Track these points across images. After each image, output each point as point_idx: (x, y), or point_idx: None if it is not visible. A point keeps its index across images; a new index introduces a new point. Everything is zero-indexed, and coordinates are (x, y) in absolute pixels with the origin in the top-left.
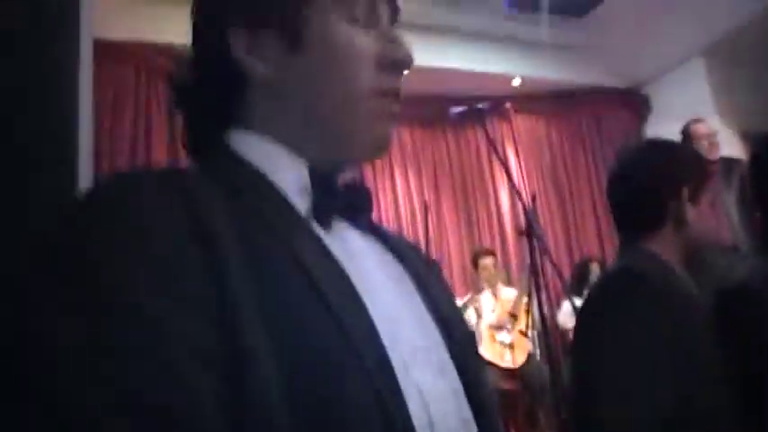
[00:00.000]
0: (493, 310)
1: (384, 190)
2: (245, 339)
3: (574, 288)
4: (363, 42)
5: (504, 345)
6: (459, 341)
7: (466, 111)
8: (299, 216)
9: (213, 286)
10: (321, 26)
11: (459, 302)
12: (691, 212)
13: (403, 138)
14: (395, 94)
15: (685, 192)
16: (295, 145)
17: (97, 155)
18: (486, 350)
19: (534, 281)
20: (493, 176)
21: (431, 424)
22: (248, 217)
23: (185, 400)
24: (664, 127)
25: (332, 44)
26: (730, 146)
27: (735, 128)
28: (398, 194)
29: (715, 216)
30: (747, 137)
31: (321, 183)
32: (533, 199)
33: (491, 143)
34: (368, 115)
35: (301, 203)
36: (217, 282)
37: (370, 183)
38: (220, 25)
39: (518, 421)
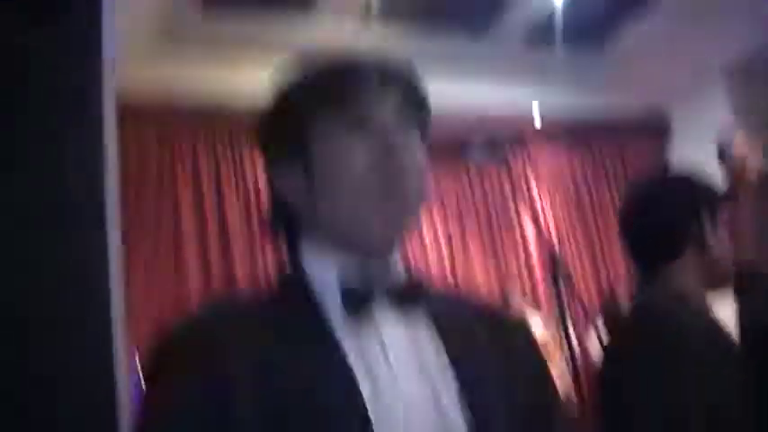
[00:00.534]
0: None
1: None
2: None
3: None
4: (357, 158)
5: None
6: (490, 421)
7: (485, 147)
8: (326, 328)
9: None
10: (321, 150)
11: None
12: (711, 236)
13: None
14: (394, 201)
15: (705, 216)
16: (335, 260)
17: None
18: None
19: (563, 321)
20: (517, 207)
21: None
22: (276, 348)
23: None
24: (687, 152)
25: (329, 165)
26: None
27: (759, 145)
28: (422, 228)
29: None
30: None
31: (355, 293)
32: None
33: (509, 170)
34: (369, 223)
35: (337, 312)
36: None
37: None
38: (266, 166)
39: None
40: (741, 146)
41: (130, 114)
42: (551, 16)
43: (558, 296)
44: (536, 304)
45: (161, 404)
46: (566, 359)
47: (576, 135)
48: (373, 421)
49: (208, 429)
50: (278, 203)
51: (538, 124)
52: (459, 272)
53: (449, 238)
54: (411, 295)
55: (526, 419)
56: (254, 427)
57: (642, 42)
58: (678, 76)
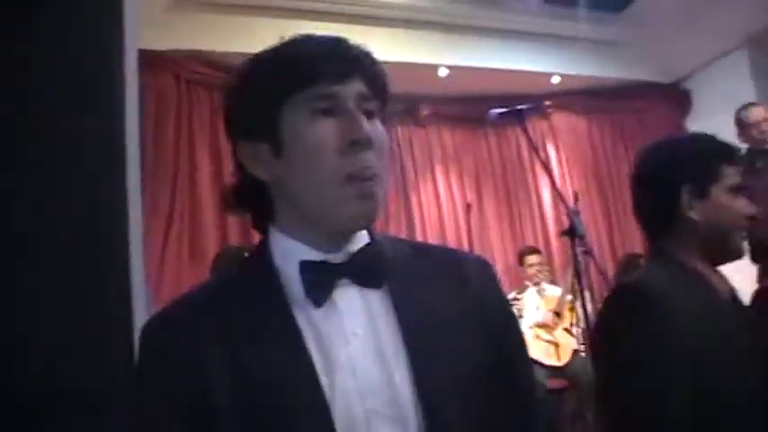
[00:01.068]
0: (537, 308)
1: (426, 190)
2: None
3: None
4: (323, 133)
5: (550, 342)
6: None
7: (505, 112)
8: (287, 311)
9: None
10: (290, 130)
11: None
12: (698, 208)
13: (444, 138)
14: (365, 177)
15: (685, 192)
16: (300, 233)
17: (142, 164)
18: (532, 348)
19: (578, 280)
20: (535, 175)
21: None
22: (240, 327)
23: None
24: (706, 120)
25: (300, 143)
26: None
27: None
28: (440, 194)
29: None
30: None
31: (316, 268)
32: (575, 198)
33: (532, 145)
34: (340, 199)
35: (299, 289)
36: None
37: (411, 183)
38: (234, 139)
39: (565, 420)
40: (761, 114)
41: (150, 60)
42: None
43: (574, 257)
44: (551, 270)
45: (143, 402)
46: (579, 323)
47: (594, 100)
48: (330, 402)
49: (187, 420)
50: (247, 180)
51: (557, 87)
52: (476, 239)
53: (467, 206)
54: (371, 271)
55: (485, 375)
56: (226, 413)
57: (662, 8)
58: (698, 44)
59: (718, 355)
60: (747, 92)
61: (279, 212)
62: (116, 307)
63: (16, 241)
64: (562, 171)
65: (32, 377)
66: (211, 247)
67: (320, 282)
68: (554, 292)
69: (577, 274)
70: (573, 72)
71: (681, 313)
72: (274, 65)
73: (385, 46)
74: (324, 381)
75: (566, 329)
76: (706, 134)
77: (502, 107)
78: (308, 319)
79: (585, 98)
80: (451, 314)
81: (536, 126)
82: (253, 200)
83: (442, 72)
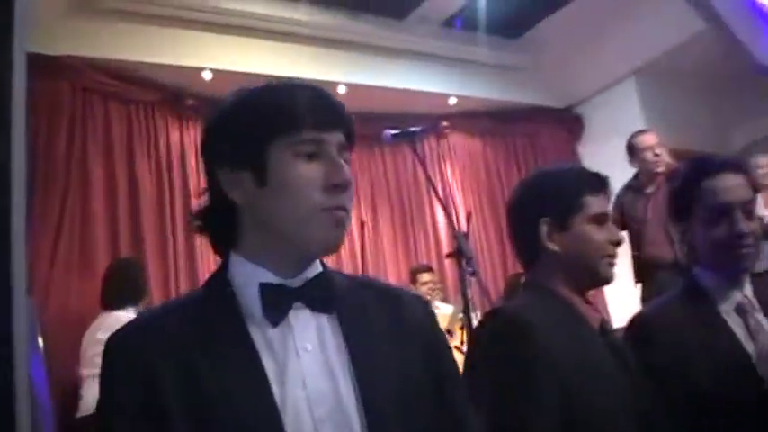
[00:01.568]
0: None
1: None
2: None
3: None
4: (309, 173)
5: None
6: (386, 407)
7: (399, 134)
8: (245, 331)
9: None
10: (278, 165)
11: None
12: (565, 239)
13: None
14: (340, 207)
15: (544, 224)
16: (264, 258)
17: (32, 175)
18: None
19: (464, 301)
20: (430, 194)
21: None
22: (198, 341)
23: None
24: (597, 145)
25: (286, 178)
26: None
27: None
28: None
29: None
30: (677, 156)
31: (275, 290)
32: (468, 218)
33: (425, 168)
34: (318, 227)
35: (257, 309)
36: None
37: None
38: (213, 167)
39: None
40: (652, 141)
41: (44, 66)
42: (473, 2)
43: (462, 279)
44: (444, 288)
45: (104, 413)
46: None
47: (490, 122)
48: (282, 411)
49: (144, 428)
50: (218, 204)
51: (454, 108)
52: (370, 257)
53: (361, 225)
54: (324, 296)
55: (422, 391)
56: (180, 422)
57: (558, 37)
58: (591, 72)
59: (586, 384)
60: (636, 119)
61: (244, 237)
62: None
63: None
64: (456, 190)
65: None
66: (102, 260)
67: (278, 303)
68: (446, 310)
69: (464, 296)
70: (470, 94)
71: (549, 342)
72: (269, 107)
73: (285, 61)
74: (276, 391)
75: (456, 347)
76: (574, 166)
77: (397, 128)
78: (263, 335)
79: (481, 120)
80: (392, 339)
81: (433, 146)
82: (219, 223)
83: (341, 89)
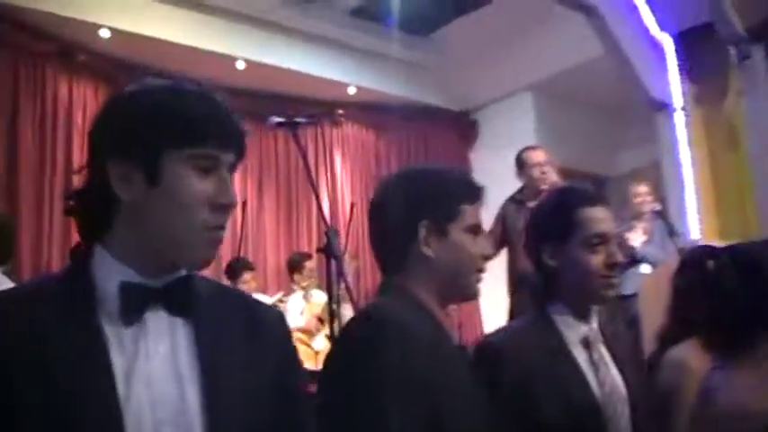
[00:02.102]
0: (302, 313)
1: None
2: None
3: None
4: (202, 189)
5: (309, 347)
6: (233, 407)
7: (283, 122)
8: (98, 327)
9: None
10: (173, 173)
11: (270, 300)
12: (441, 246)
13: None
14: (221, 227)
15: (423, 227)
16: (132, 256)
17: None
18: None
19: (329, 297)
20: (317, 179)
21: None
22: (49, 334)
23: None
24: (488, 153)
25: (178, 188)
26: None
27: (554, 166)
28: None
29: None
30: (566, 174)
31: (135, 290)
32: (352, 208)
33: (304, 158)
34: (198, 242)
35: (114, 306)
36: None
37: None
38: (103, 155)
39: None
40: (541, 157)
41: None
42: None
43: (328, 276)
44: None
45: None
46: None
47: (386, 116)
48: (123, 410)
49: None
50: (97, 192)
51: (352, 97)
52: (250, 237)
53: (243, 204)
54: (182, 302)
55: (269, 403)
56: (25, 416)
57: (464, 40)
58: (491, 79)
59: (452, 398)
60: (529, 133)
61: (116, 233)
62: None
63: None
64: (345, 180)
65: None
66: None
67: (136, 303)
68: (320, 298)
69: (329, 293)
70: (370, 86)
71: (417, 350)
72: (179, 114)
73: (188, 30)
74: (121, 390)
75: (327, 336)
76: (454, 169)
77: (284, 115)
78: (116, 333)
79: (378, 113)
80: (245, 349)
81: (326, 133)
82: (94, 211)
83: (240, 65)
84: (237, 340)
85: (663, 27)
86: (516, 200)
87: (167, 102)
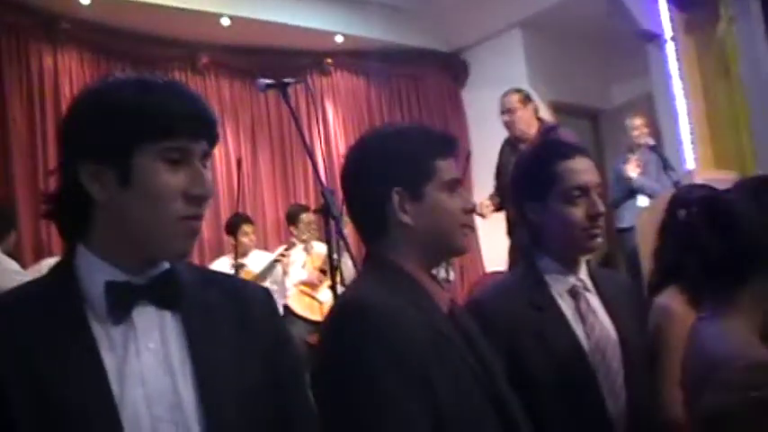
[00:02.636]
0: (304, 265)
1: None
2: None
3: None
4: (174, 182)
5: (314, 299)
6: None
7: (272, 84)
8: (87, 328)
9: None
10: (143, 169)
11: (270, 256)
12: (419, 210)
13: (222, 88)
14: (196, 217)
15: (395, 195)
16: (113, 254)
17: None
18: (296, 304)
19: (330, 257)
20: (310, 132)
21: None
22: (39, 339)
23: None
24: (480, 93)
25: (150, 183)
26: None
27: (545, 98)
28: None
29: None
30: (558, 108)
31: (120, 289)
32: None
33: (296, 120)
34: (175, 234)
35: (101, 306)
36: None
37: None
38: (73, 156)
39: None
40: (507, 106)
41: None
42: None
43: (327, 235)
44: (320, 228)
45: None
46: (345, 282)
47: (375, 62)
48: (120, 409)
49: None
50: (72, 193)
51: (340, 46)
52: (248, 193)
53: (237, 161)
54: (169, 294)
55: (263, 389)
56: (20, 421)
57: None
58: (479, 19)
59: (443, 372)
60: (520, 70)
61: (96, 232)
62: None
63: None
64: (339, 130)
65: None
66: None
67: (122, 302)
68: (321, 249)
69: (329, 253)
70: (357, 33)
71: (405, 334)
72: (144, 110)
73: None
74: (115, 390)
75: (330, 287)
76: (419, 126)
77: (271, 76)
78: (105, 333)
79: (367, 60)
80: (235, 336)
81: (316, 83)
82: (71, 212)
83: (225, 21)
84: (227, 327)
85: None
86: (510, 142)
87: (133, 98)
